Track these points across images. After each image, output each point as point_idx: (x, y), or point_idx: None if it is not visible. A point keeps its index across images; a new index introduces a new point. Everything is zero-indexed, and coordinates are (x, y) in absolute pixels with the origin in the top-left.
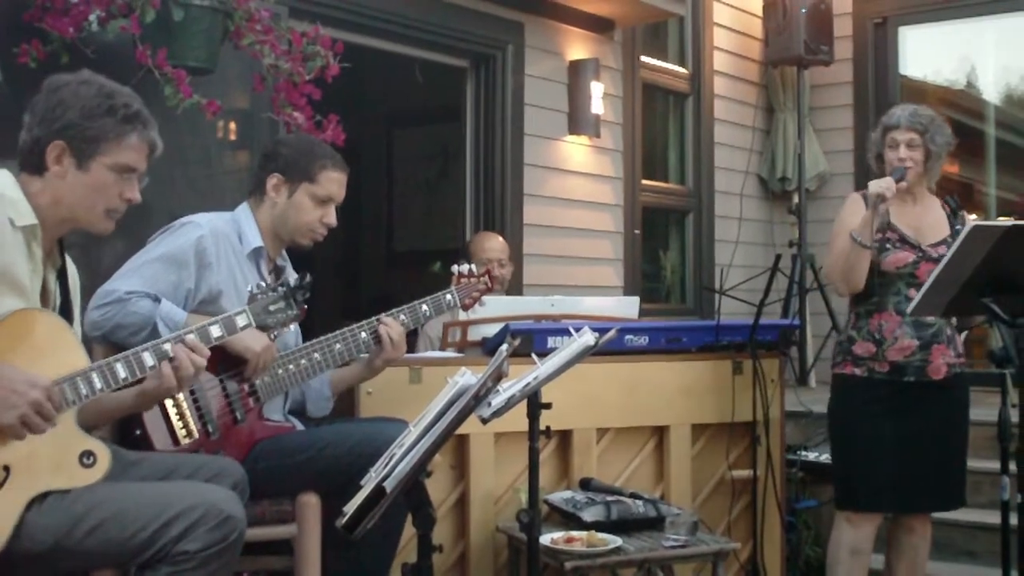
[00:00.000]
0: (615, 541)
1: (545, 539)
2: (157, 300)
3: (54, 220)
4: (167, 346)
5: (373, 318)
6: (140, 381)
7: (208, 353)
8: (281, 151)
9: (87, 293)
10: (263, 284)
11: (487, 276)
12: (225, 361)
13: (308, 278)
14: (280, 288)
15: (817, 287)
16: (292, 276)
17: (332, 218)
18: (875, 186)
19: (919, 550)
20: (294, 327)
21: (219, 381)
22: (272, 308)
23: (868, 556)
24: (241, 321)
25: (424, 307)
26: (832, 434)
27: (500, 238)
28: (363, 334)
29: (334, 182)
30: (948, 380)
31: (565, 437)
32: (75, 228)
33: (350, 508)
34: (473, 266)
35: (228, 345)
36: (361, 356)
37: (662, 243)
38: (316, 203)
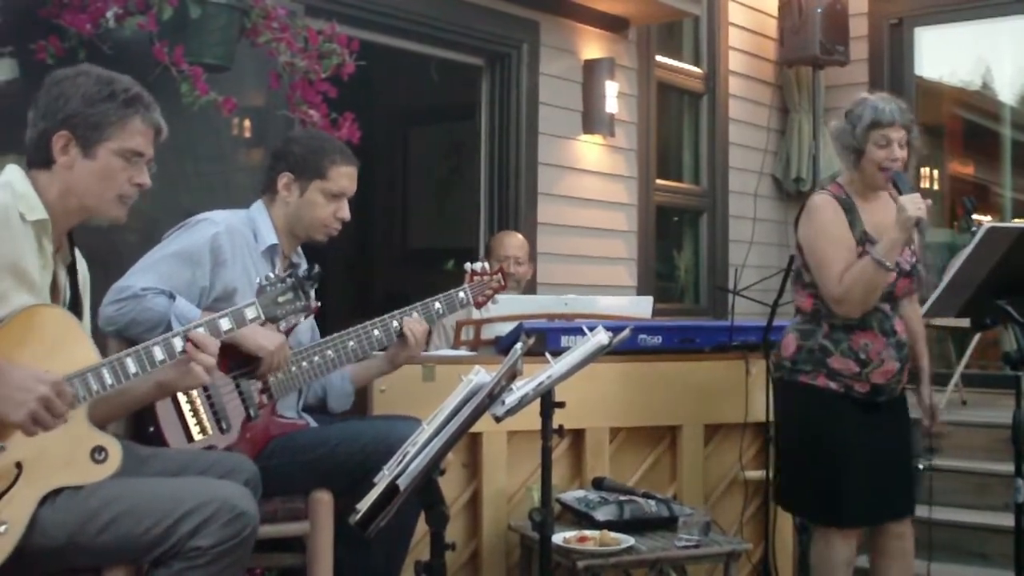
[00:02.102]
0: (627, 541)
1: (557, 538)
2: (172, 297)
3: (64, 212)
4: (177, 340)
5: (387, 315)
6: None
7: (215, 344)
8: (291, 149)
9: (101, 290)
10: (271, 276)
11: (500, 274)
12: (239, 360)
13: (316, 269)
14: (288, 279)
15: None
16: (302, 268)
17: (345, 212)
18: (915, 209)
19: (908, 553)
20: (309, 324)
21: (233, 379)
22: (281, 299)
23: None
24: (250, 313)
25: (437, 304)
26: (806, 449)
27: (520, 236)
28: (376, 331)
29: (345, 176)
30: (901, 395)
31: (578, 436)
32: (86, 218)
33: (363, 505)
34: (486, 264)
35: (242, 344)
36: (375, 353)
37: (676, 243)
38: (328, 199)
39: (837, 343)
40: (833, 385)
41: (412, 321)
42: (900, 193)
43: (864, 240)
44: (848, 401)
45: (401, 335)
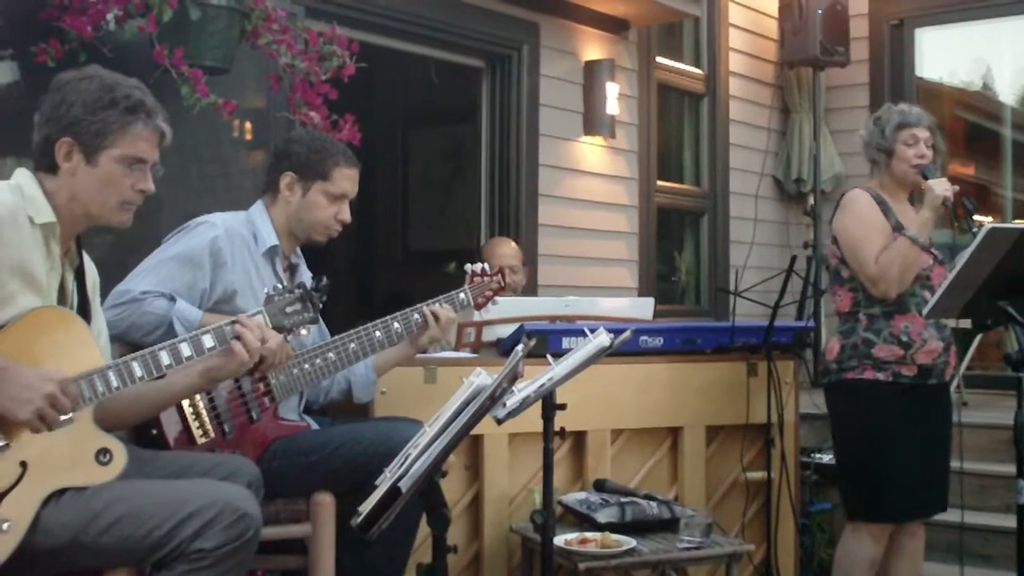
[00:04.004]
0: (629, 542)
1: (559, 540)
2: (172, 300)
3: (71, 217)
4: (184, 346)
5: (388, 317)
6: (160, 377)
7: (273, 333)
8: (293, 149)
9: (103, 293)
10: (280, 286)
11: (500, 275)
12: None
13: (325, 281)
14: (297, 290)
15: None
16: (307, 275)
17: (346, 214)
18: (943, 189)
19: (919, 552)
20: (315, 328)
21: (234, 380)
22: (289, 310)
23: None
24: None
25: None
26: (855, 443)
27: (513, 244)
28: (377, 333)
29: (348, 179)
30: (948, 381)
31: (579, 438)
32: (93, 224)
33: (365, 508)
34: (486, 265)
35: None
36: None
37: (677, 244)
38: (330, 200)
39: (878, 332)
40: (880, 376)
41: (439, 309)
42: (926, 179)
43: (899, 227)
44: (897, 389)
45: (426, 320)
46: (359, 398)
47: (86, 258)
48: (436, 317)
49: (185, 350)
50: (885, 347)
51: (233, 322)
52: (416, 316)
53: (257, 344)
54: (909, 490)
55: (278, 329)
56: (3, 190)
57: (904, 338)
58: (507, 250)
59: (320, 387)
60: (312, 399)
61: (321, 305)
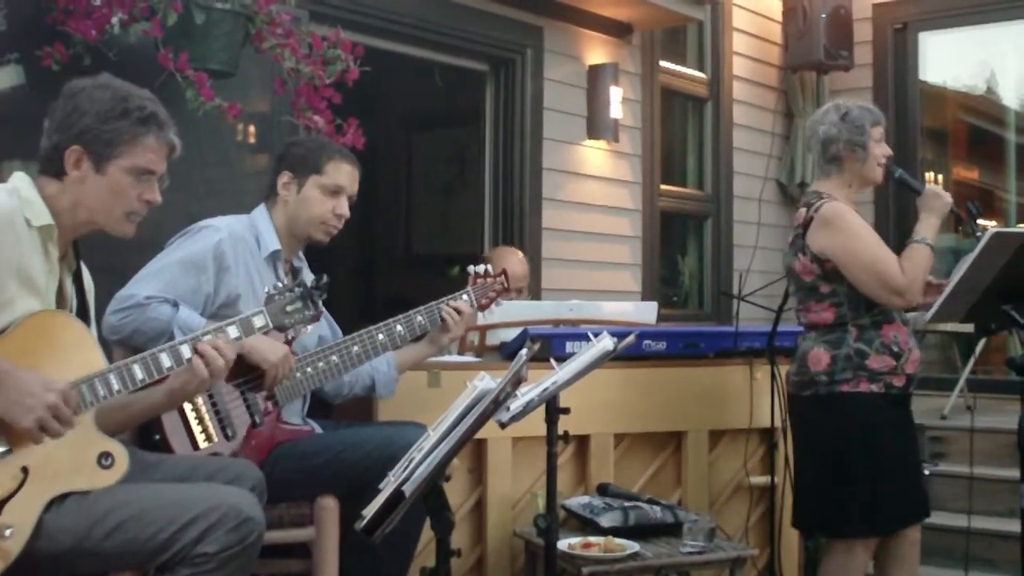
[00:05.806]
0: (632, 547)
1: (562, 544)
2: (176, 306)
3: (72, 223)
4: (184, 347)
5: (391, 320)
6: (159, 381)
7: (234, 350)
8: (291, 151)
9: (104, 297)
10: (280, 284)
11: (503, 276)
12: (243, 370)
13: (325, 279)
14: (297, 288)
15: None
16: (309, 277)
17: (344, 209)
18: (948, 196)
19: (917, 559)
20: (326, 323)
21: (237, 387)
22: (289, 308)
23: None
24: (258, 322)
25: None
26: (853, 458)
27: (520, 254)
28: (380, 335)
29: (342, 173)
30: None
31: (583, 442)
32: (94, 230)
33: (369, 512)
34: (489, 267)
35: (246, 356)
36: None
37: (680, 248)
38: (326, 194)
39: (870, 342)
40: (874, 388)
41: (459, 304)
42: (913, 187)
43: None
44: (889, 400)
45: (442, 318)
46: (382, 395)
47: (82, 263)
48: (450, 315)
49: (185, 352)
50: (878, 358)
51: (220, 328)
52: (419, 319)
53: (221, 362)
54: (906, 500)
55: (279, 328)
56: None
57: (895, 348)
58: (513, 260)
59: (342, 382)
60: (334, 393)
61: (322, 303)
